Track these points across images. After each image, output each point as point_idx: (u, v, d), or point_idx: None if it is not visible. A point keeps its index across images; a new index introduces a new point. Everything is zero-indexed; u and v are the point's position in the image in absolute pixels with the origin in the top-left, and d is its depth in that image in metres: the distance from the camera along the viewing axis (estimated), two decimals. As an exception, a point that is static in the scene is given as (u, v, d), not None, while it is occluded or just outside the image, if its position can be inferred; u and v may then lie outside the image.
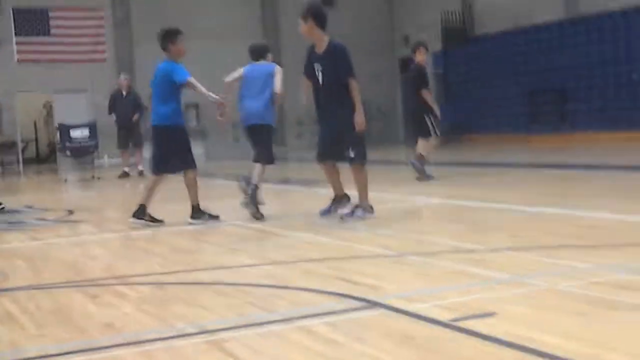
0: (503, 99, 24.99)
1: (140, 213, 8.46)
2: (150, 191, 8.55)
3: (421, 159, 12.14)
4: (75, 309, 4.72)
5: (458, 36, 27.56)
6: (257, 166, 8.60)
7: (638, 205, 8.14)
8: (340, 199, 8.45)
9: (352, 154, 8.01)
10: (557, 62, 23.21)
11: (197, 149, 26.43)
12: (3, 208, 10.86)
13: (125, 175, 16.87)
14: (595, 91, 22.02)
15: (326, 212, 8.39)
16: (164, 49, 8.47)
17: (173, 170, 8.63)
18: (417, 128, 12.46)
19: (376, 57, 31.09)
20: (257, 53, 8.92)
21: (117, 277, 5.70)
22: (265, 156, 8.67)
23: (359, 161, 8.08)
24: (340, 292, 4.69)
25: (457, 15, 27.71)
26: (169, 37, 8.47)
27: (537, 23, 24.59)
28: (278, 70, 8.72)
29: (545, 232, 6.69)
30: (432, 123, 12.18)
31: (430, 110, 12.15)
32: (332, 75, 7.95)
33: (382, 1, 31.50)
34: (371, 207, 8.14)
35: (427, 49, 12.38)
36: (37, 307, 4.81)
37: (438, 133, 12.32)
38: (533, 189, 10.77)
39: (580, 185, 11.12)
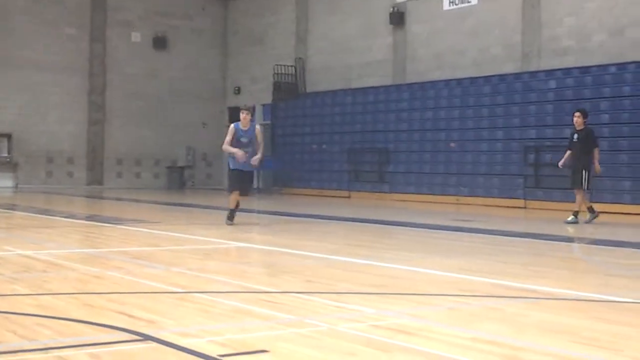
0: (328, 155, 25.39)
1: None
2: None
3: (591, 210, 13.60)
4: None
5: (289, 91, 27.92)
6: None
7: (432, 259, 8.36)
8: None
9: None
10: (381, 124, 23.91)
11: (6, 181, 25.75)
12: None
13: None
14: (414, 155, 22.80)
15: None
16: None
17: None
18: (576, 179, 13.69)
19: (206, 104, 30.96)
20: None
21: None
22: None
23: None
24: (113, 324, 4.44)
25: (290, 70, 28.11)
26: None
27: (366, 85, 25.32)
28: None
29: (341, 279, 6.69)
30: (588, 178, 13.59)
31: (589, 167, 13.56)
32: None
33: (216, 51, 31.46)
34: None
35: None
36: None
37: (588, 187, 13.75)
38: (342, 240, 10.89)
39: (387, 240, 11.41)
